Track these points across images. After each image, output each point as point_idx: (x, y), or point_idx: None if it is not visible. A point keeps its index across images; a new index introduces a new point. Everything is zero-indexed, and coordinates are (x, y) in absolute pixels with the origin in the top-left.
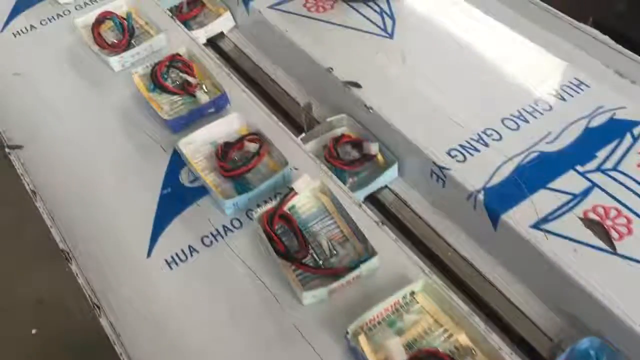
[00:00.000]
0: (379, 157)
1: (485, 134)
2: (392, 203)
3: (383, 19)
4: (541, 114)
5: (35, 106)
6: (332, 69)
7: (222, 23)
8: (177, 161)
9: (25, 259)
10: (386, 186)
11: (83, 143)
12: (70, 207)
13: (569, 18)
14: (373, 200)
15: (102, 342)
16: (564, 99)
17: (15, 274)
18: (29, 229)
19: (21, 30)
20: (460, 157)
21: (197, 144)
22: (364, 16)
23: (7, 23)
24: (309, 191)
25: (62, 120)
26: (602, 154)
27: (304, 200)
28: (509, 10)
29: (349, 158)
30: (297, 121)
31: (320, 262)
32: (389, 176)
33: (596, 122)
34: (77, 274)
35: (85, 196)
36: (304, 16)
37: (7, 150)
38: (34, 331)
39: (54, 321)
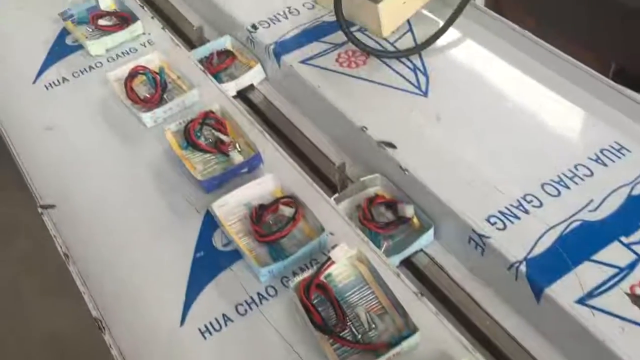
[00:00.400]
0: (415, 220)
1: (525, 200)
2: (427, 267)
3: (416, 75)
4: (582, 179)
5: (67, 162)
6: (365, 127)
7: (253, 75)
8: (211, 223)
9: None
10: (421, 249)
11: (115, 202)
12: (102, 271)
13: (609, 80)
14: (408, 264)
15: None
16: (605, 164)
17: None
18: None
19: (53, 83)
20: (500, 225)
21: (231, 206)
22: (397, 72)
23: (39, 75)
24: (346, 259)
25: (94, 177)
26: None
27: (341, 268)
28: (547, 71)
29: (384, 220)
30: (329, 179)
31: (359, 336)
32: (425, 240)
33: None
34: (110, 345)
35: (117, 259)
36: (336, 72)
37: (40, 210)
38: None
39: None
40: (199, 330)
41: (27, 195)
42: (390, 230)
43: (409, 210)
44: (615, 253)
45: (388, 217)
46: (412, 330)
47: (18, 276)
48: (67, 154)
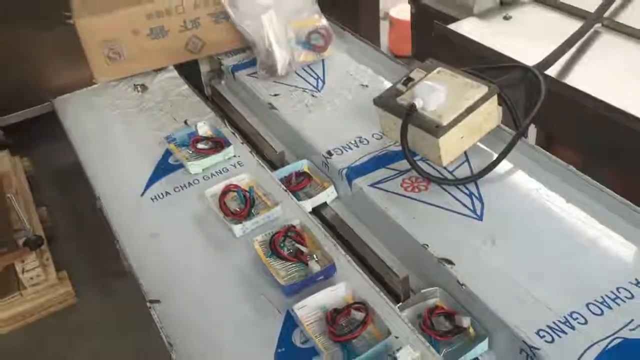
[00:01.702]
0: (471, 330)
1: (572, 317)
2: None
3: (472, 201)
4: (623, 301)
5: (169, 265)
6: (427, 245)
7: (327, 195)
8: (291, 323)
9: None
10: (477, 358)
11: (209, 300)
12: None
13: None
14: None
15: None
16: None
17: None
18: None
19: (158, 196)
20: (549, 338)
21: (309, 309)
22: (455, 198)
23: (146, 188)
24: (409, 355)
25: (191, 278)
26: None
27: None
28: (590, 200)
29: (443, 329)
30: (394, 290)
31: None
32: (480, 349)
33: None
34: None
35: (210, 354)
36: (400, 195)
37: (148, 304)
38: None
39: None
40: None
41: None
42: (448, 338)
43: (465, 321)
44: None
45: (446, 327)
46: None
47: None
48: (169, 257)
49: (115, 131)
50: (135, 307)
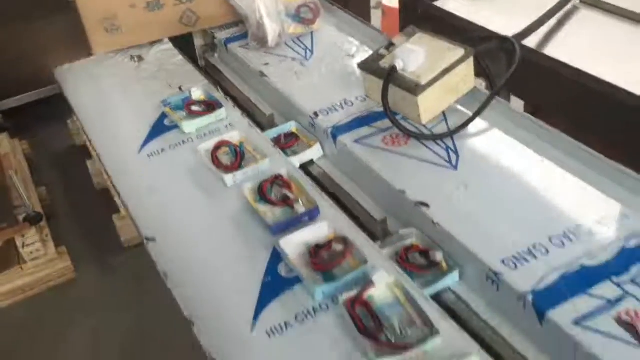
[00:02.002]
0: (443, 264)
1: (534, 248)
2: (454, 303)
3: (448, 154)
4: (583, 236)
5: (164, 211)
6: (404, 191)
7: (313, 152)
8: (277, 257)
9: None
10: (449, 289)
11: (202, 241)
12: (192, 288)
13: (611, 161)
14: (437, 300)
15: None
16: (605, 225)
17: None
18: None
19: (154, 153)
20: (512, 266)
21: (294, 244)
22: (432, 151)
23: (143, 146)
24: (385, 285)
25: (184, 222)
26: (634, 269)
27: (380, 292)
28: (559, 154)
29: (417, 264)
30: (373, 232)
31: (393, 339)
32: (452, 279)
33: (631, 245)
34: (198, 337)
35: (202, 284)
36: (382, 149)
37: (145, 241)
38: None
39: None
40: (266, 332)
41: None
42: (423, 272)
43: (438, 256)
44: (606, 289)
45: (421, 262)
46: (434, 333)
47: None
48: (165, 205)
49: (113, 97)
50: (134, 284)
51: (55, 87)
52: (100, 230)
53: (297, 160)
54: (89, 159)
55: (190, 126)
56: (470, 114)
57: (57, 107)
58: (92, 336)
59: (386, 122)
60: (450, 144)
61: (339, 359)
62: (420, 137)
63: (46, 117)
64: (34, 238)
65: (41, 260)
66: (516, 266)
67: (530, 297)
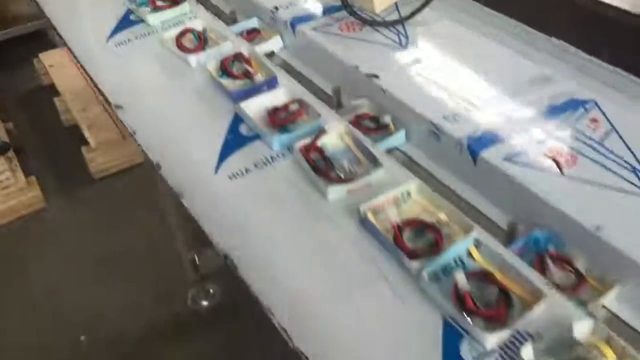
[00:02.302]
0: (391, 126)
1: (472, 105)
2: (399, 159)
3: (399, 38)
4: (513, 95)
5: (131, 84)
6: (357, 66)
7: (273, 43)
8: (238, 120)
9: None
10: (397, 148)
11: (167, 110)
12: (159, 144)
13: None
14: None
15: None
16: (533, 85)
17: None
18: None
19: (121, 43)
20: (452, 120)
21: (254, 107)
22: (385, 35)
23: (110, 37)
24: (336, 134)
25: (150, 95)
26: (557, 119)
27: (332, 140)
28: (505, 36)
29: (368, 127)
30: (326, 101)
31: (342, 176)
32: (399, 138)
33: (556, 101)
34: (165, 178)
35: (169, 142)
36: (338, 35)
37: (114, 107)
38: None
39: (103, 330)
40: (227, 176)
41: None
42: (374, 133)
43: (387, 118)
44: (533, 132)
45: (371, 126)
46: (377, 166)
47: None
48: (131, 81)
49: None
50: (104, 213)
51: (20, 28)
52: (69, 163)
53: (259, 51)
54: (57, 96)
55: (155, 19)
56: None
57: (23, 49)
58: (65, 262)
59: (343, 13)
60: (401, 30)
61: (295, 196)
62: (373, 23)
63: (12, 60)
64: (3, 167)
65: (11, 189)
66: (456, 119)
67: (465, 142)
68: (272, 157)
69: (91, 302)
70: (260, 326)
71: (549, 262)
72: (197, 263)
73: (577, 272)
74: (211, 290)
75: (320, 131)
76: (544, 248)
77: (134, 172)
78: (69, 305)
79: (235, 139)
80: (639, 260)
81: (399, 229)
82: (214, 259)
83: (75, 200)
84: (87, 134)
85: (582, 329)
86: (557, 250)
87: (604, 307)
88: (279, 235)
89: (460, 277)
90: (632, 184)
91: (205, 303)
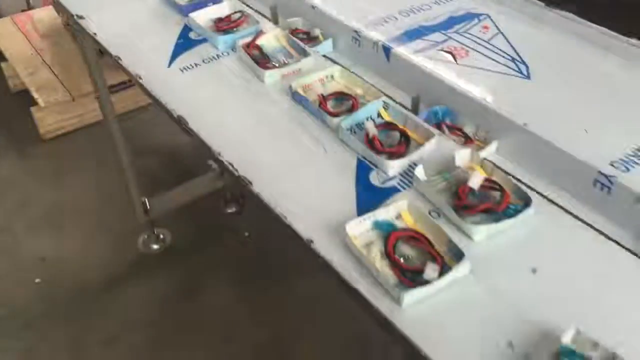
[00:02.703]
0: (320, 37)
1: (390, 18)
2: None
3: None
4: (421, 10)
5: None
6: None
7: None
8: (187, 29)
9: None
10: (324, 56)
11: (125, 24)
12: (121, 47)
13: None
14: None
15: None
16: (438, 4)
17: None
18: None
19: None
20: (372, 27)
21: (201, 18)
22: None
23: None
24: (273, 35)
25: (111, 14)
26: (457, 26)
27: (269, 41)
28: None
29: (301, 38)
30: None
31: (278, 65)
32: (326, 46)
33: (455, 14)
34: (127, 70)
35: (131, 44)
36: None
37: (75, 18)
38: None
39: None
40: (179, 69)
41: None
42: (305, 42)
43: (317, 31)
44: (437, 36)
45: (304, 38)
46: (306, 55)
47: None
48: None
49: None
50: (54, 170)
51: None
52: (19, 125)
53: None
54: (4, 61)
55: None
56: None
57: None
58: (17, 210)
59: None
60: None
61: (238, 83)
62: None
63: None
64: None
65: None
66: (375, 28)
67: (380, 44)
68: (217, 55)
69: (44, 247)
70: (210, 265)
71: (445, 129)
72: (148, 207)
73: (466, 136)
74: (161, 235)
75: (259, 32)
76: (442, 119)
77: (83, 132)
78: (23, 250)
79: (185, 42)
80: (513, 119)
81: (323, 98)
82: (164, 203)
83: (26, 158)
84: (36, 95)
85: (461, 157)
86: (452, 122)
87: (484, 158)
88: (226, 108)
89: (370, 125)
90: (511, 69)
91: (155, 247)
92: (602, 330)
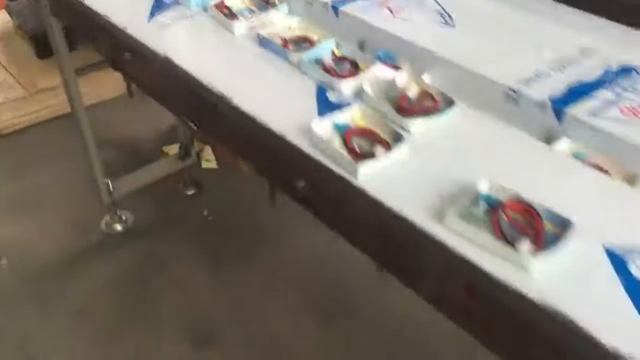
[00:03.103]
0: (276, 2)
1: None
2: None
3: None
4: None
5: None
6: None
7: None
8: None
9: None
10: None
11: None
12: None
13: None
14: None
15: None
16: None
17: None
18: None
19: None
20: None
21: None
22: None
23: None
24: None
25: None
26: None
27: (236, 3)
28: None
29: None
30: None
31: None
32: (282, 9)
33: None
34: (112, 22)
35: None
36: None
37: None
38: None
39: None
40: (157, 26)
41: None
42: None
43: None
44: None
45: (260, 4)
46: (271, 9)
47: None
48: None
49: None
50: (12, 162)
51: None
52: None
53: None
54: None
55: None
56: None
57: None
58: None
59: None
60: None
61: (211, 36)
62: None
63: None
64: None
65: None
66: None
67: (330, 4)
68: (191, 15)
69: (8, 233)
70: (172, 244)
71: None
72: (111, 189)
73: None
74: (124, 217)
75: None
76: (383, 61)
77: (40, 128)
78: None
79: (159, 4)
80: (444, 55)
81: (285, 42)
82: (126, 185)
83: None
84: None
85: (401, 79)
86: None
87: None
88: (203, 53)
89: (327, 57)
90: (439, 21)
91: (119, 227)
92: (509, 182)
